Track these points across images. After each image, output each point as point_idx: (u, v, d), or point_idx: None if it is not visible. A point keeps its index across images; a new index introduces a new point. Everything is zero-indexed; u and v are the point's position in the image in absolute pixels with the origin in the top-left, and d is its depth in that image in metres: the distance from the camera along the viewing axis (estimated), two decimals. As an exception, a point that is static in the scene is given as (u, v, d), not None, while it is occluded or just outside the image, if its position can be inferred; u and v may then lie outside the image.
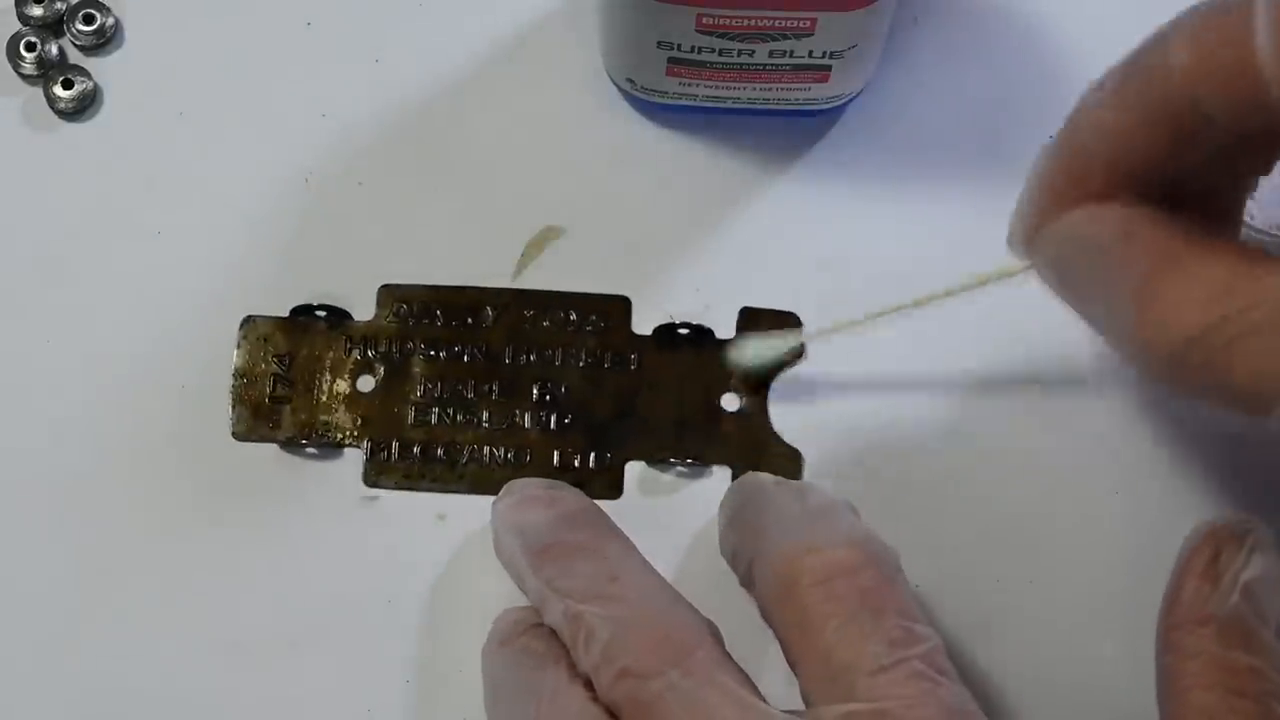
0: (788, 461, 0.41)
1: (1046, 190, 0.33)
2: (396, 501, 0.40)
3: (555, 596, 0.35)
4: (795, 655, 0.33)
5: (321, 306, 0.41)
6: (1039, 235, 0.34)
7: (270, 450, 0.41)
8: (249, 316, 0.41)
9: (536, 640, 0.35)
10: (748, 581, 0.35)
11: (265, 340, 0.41)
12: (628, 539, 0.37)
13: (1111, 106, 0.32)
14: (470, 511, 0.40)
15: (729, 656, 0.34)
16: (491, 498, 0.39)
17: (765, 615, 0.34)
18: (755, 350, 0.41)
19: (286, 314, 0.42)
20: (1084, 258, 0.32)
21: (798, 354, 0.41)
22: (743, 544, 0.36)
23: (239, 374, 0.41)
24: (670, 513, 0.40)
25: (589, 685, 0.33)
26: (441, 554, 0.40)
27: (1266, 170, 0.33)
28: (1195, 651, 0.34)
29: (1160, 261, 0.30)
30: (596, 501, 0.38)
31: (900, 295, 0.38)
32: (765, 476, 0.37)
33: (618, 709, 0.33)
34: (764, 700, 0.32)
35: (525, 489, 0.38)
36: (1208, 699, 0.34)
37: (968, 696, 0.32)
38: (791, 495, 0.36)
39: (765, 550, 0.35)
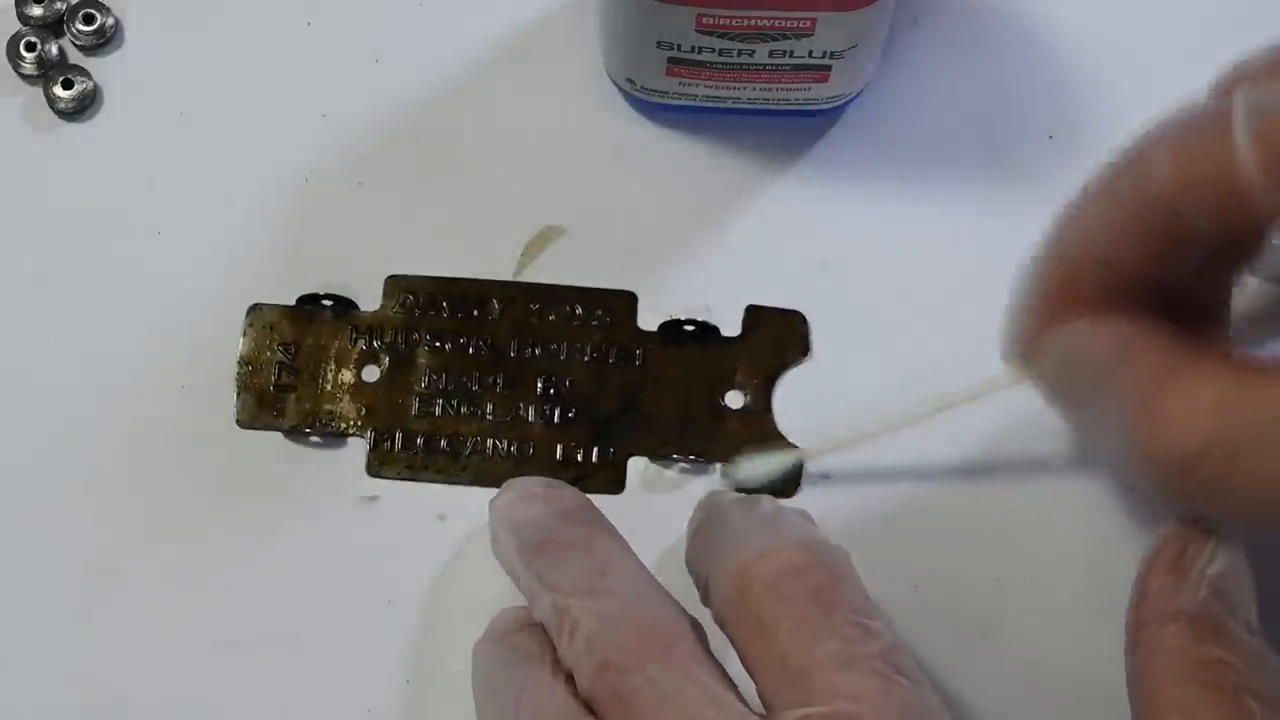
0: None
1: (1039, 303, 0.34)
2: (397, 501, 0.40)
3: (544, 590, 0.35)
4: (752, 662, 0.33)
5: (328, 296, 0.41)
6: (1035, 350, 0.34)
7: (272, 444, 0.41)
8: (255, 304, 0.41)
9: (528, 638, 0.35)
10: (707, 600, 0.35)
11: (271, 329, 0.41)
12: (621, 537, 0.37)
13: (1096, 221, 0.32)
14: (470, 511, 0.40)
15: (710, 654, 0.34)
16: (493, 491, 0.39)
17: (723, 627, 0.34)
18: (751, 469, 0.41)
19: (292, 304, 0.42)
20: (1081, 373, 0.33)
21: (803, 350, 0.41)
22: (699, 563, 0.36)
23: (244, 361, 0.41)
24: (672, 509, 0.40)
25: (571, 680, 0.33)
26: (441, 554, 0.40)
27: (1246, 267, 0.34)
28: (1165, 647, 0.34)
29: (1159, 376, 0.31)
30: (598, 497, 0.38)
31: (898, 405, 0.39)
32: (725, 496, 0.37)
33: (596, 703, 0.33)
34: (743, 700, 0.32)
35: (523, 486, 0.37)
36: (1180, 693, 0.33)
37: (930, 695, 0.32)
38: (741, 511, 0.36)
39: (717, 564, 0.35)
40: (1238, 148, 0.29)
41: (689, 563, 0.37)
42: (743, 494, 0.37)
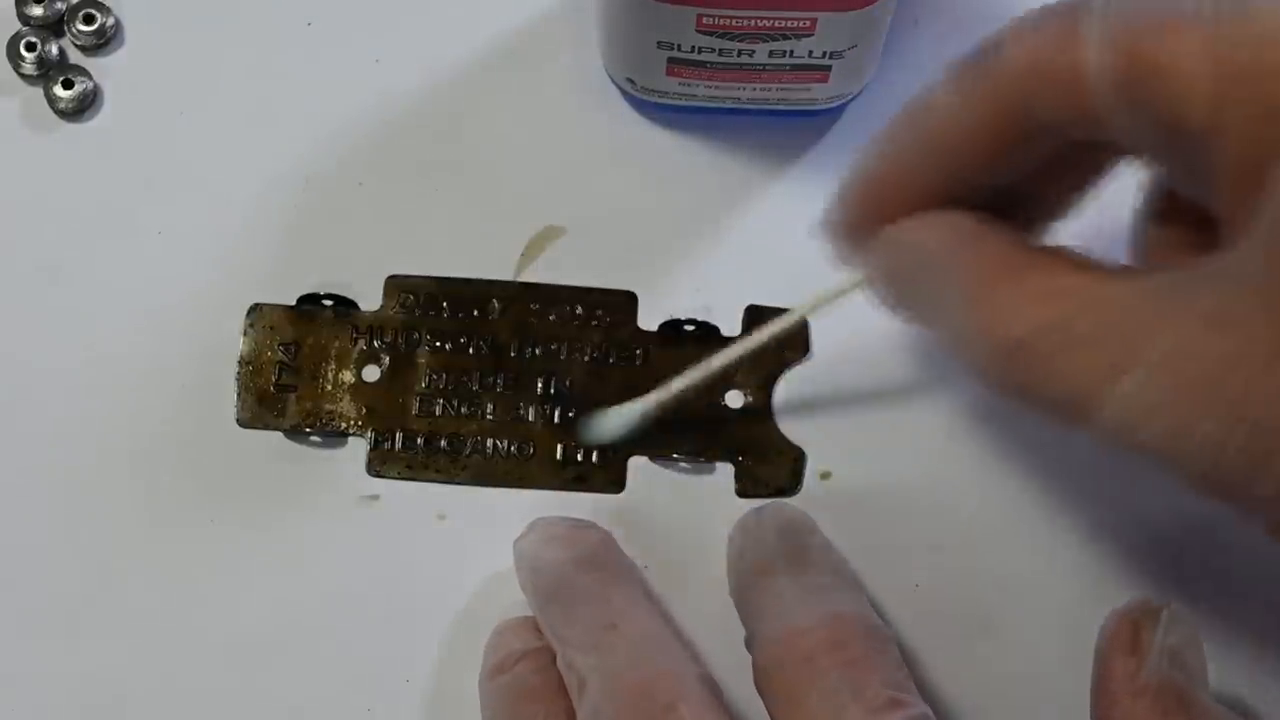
0: (791, 461, 0.41)
1: (872, 193, 0.34)
2: (397, 501, 0.40)
3: (557, 642, 0.36)
4: None
5: (328, 296, 0.41)
6: (872, 244, 0.34)
7: (273, 445, 0.41)
8: (256, 304, 0.41)
9: (533, 674, 0.36)
10: (750, 648, 0.36)
11: (272, 329, 0.41)
12: (639, 579, 0.38)
13: (945, 107, 0.32)
14: (470, 511, 0.40)
15: (719, 705, 0.34)
16: (493, 491, 0.39)
17: (760, 692, 0.35)
18: (611, 424, 0.40)
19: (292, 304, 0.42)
20: (917, 265, 0.32)
21: (803, 350, 0.41)
22: (744, 619, 0.37)
23: (244, 361, 0.41)
24: (672, 509, 0.40)
25: None
26: (441, 554, 0.40)
27: (1092, 185, 0.34)
28: None
29: (994, 265, 0.30)
30: (600, 496, 0.38)
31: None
32: (771, 534, 0.37)
33: None
34: None
35: (545, 527, 0.38)
36: None
37: None
38: (791, 574, 0.36)
39: (761, 630, 0.35)
40: (1088, 45, 0.28)
41: (734, 599, 0.38)
42: (795, 537, 0.37)
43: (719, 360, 0.38)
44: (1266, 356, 0.26)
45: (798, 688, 0.33)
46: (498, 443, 0.41)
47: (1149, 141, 0.29)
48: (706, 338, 0.41)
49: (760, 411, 0.41)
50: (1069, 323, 0.29)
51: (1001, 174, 0.32)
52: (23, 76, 0.44)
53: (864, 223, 0.34)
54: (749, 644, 0.36)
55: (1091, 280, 0.29)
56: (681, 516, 0.40)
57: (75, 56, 0.44)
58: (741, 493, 0.40)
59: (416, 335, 0.41)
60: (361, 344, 0.41)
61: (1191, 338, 0.27)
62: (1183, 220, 0.32)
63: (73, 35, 0.44)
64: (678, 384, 0.38)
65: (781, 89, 0.41)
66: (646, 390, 0.40)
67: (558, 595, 0.36)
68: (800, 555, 0.37)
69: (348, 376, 0.41)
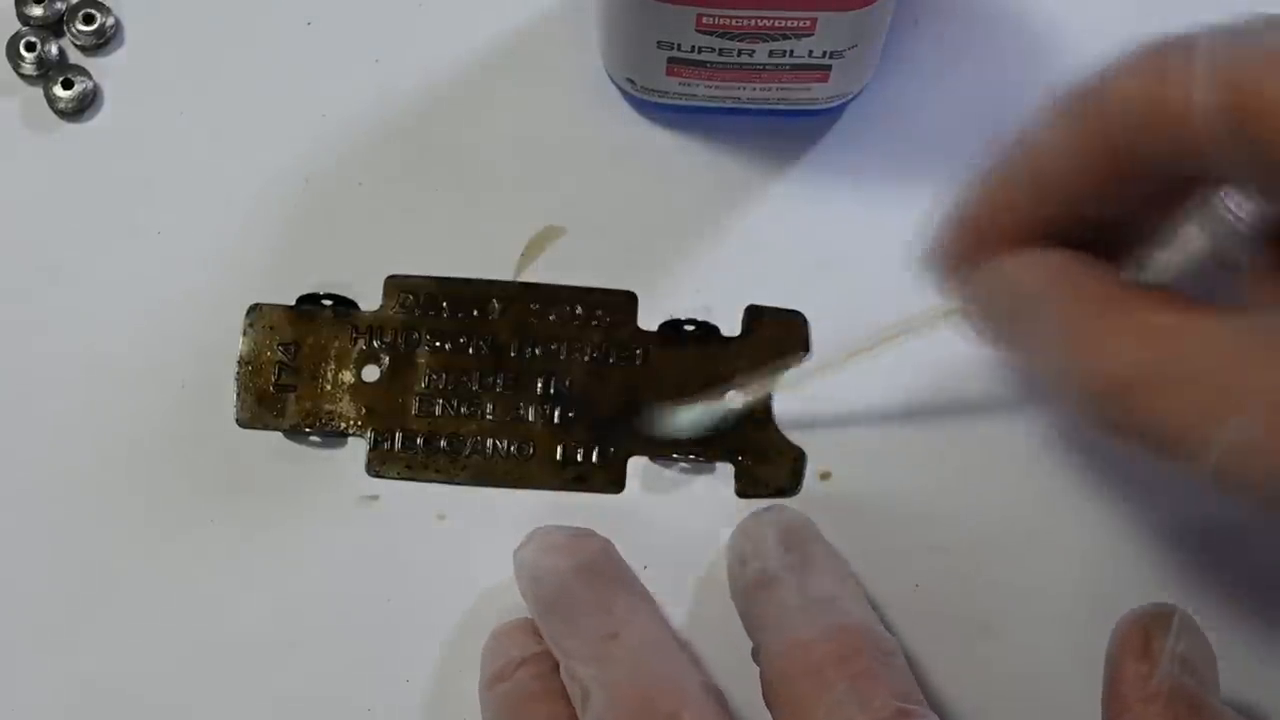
0: (790, 461, 0.41)
1: (971, 227, 0.34)
2: (397, 501, 0.40)
3: (559, 652, 0.36)
4: None
5: (328, 296, 0.41)
6: (969, 278, 0.34)
7: (272, 445, 0.41)
8: (256, 304, 0.41)
9: (533, 680, 0.36)
10: (757, 659, 0.36)
11: (272, 329, 0.41)
12: (639, 589, 0.37)
13: (1050, 145, 0.32)
14: (470, 511, 0.40)
15: (722, 712, 0.34)
16: (492, 491, 0.39)
17: (768, 705, 0.35)
18: (691, 418, 0.40)
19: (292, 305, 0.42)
20: (1016, 301, 0.33)
21: (803, 350, 0.41)
22: (749, 630, 0.37)
23: (244, 361, 0.41)
24: (672, 509, 0.40)
25: None
26: (441, 554, 0.40)
27: (1174, 216, 0.34)
28: None
29: (1096, 305, 0.30)
30: (600, 496, 0.38)
31: (847, 344, 0.39)
32: (774, 555, 0.37)
33: None
34: None
35: (545, 536, 0.38)
36: None
37: None
38: (794, 585, 0.36)
39: (766, 643, 0.35)
40: (1195, 83, 0.28)
41: (737, 608, 0.38)
42: (792, 535, 0.37)
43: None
44: None
45: (805, 701, 0.34)
46: (497, 443, 0.41)
47: (1259, 177, 0.29)
48: (706, 338, 0.41)
49: (760, 411, 0.41)
50: (1173, 361, 0.29)
51: (1103, 209, 0.32)
52: (23, 76, 0.44)
53: (964, 255, 0.34)
54: (755, 656, 0.36)
55: (1194, 318, 0.29)
56: (681, 516, 0.40)
57: (75, 56, 0.44)
58: (741, 493, 0.40)
59: (416, 335, 0.41)
60: (361, 344, 0.41)
61: None
62: None
63: (72, 35, 0.44)
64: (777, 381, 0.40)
65: (781, 89, 0.41)
66: (646, 391, 0.40)
67: (558, 605, 0.36)
68: (803, 564, 0.37)
69: (347, 376, 0.41)
